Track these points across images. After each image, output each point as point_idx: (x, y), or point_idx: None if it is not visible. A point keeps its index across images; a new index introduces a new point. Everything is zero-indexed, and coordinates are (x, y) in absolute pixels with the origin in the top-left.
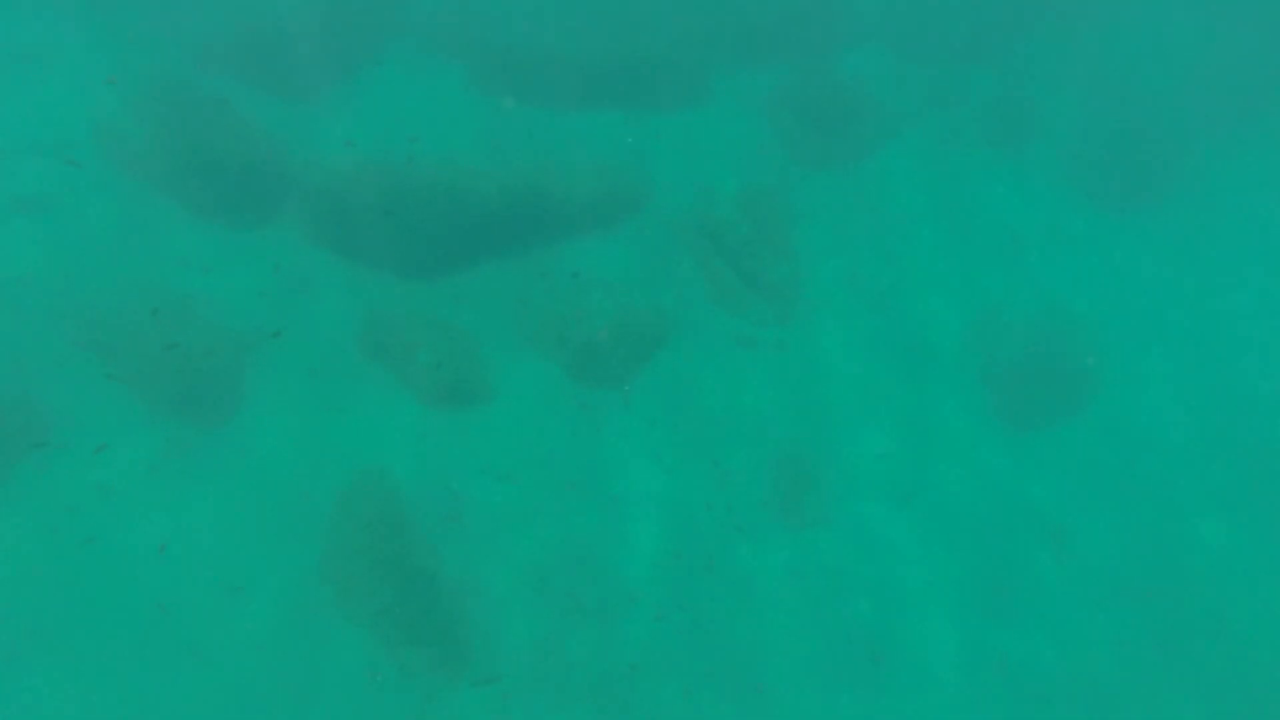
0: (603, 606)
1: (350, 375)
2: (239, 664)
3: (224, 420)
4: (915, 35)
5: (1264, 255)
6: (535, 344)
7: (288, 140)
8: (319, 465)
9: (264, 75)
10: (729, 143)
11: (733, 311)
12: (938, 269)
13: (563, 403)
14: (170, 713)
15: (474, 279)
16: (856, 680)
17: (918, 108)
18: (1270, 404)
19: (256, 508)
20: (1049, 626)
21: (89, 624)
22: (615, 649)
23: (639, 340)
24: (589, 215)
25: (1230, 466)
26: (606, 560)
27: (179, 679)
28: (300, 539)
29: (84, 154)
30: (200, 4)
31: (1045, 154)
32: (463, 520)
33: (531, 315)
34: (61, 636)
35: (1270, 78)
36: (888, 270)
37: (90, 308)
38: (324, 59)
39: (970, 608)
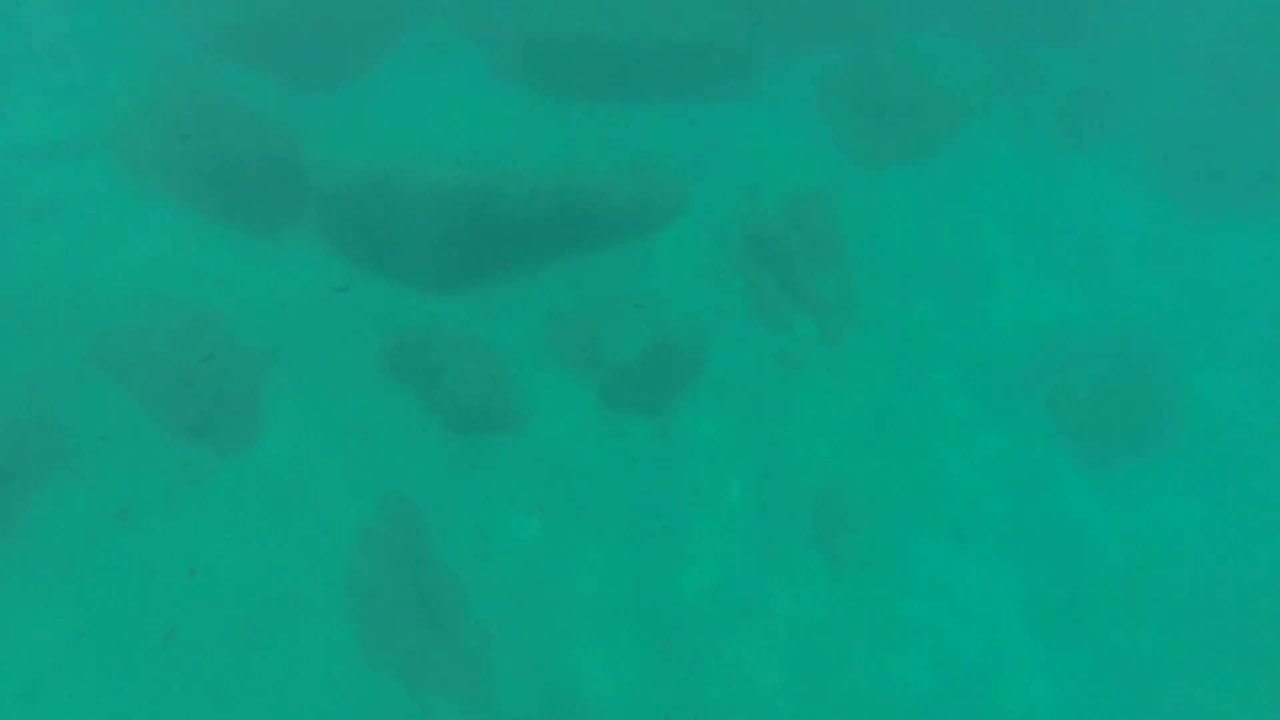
0: (637, 651)
1: (373, 397)
2: (258, 706)
3: (243, 445)
4: (981, 13)
5: None
6: (567, 364)
7: (305, 137)
8: (341, 495)
9: (282, 65)
10: (776, 138)
11: (778, 329)
12: (1005, 282)
13: (596, 429)
14: None
15: (502, 292)
16: None
17: (985, 98)
18: None
19: (275, 541)
20: (1126, 689)
21: (104, 660)
22: (649, 696)
23: (677, 361)
24: (624, 220)
25: None
26: (640, 601)
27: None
28: (321, 576)
29: (98, 156)
30: None
31: (1132, 151)
32: (490, 557)
33: (563, 333)
34: (77, 672)
35: None
36: (948, 284)
37: (105, 323)
38: (344, 46)
39: (1035, 666)
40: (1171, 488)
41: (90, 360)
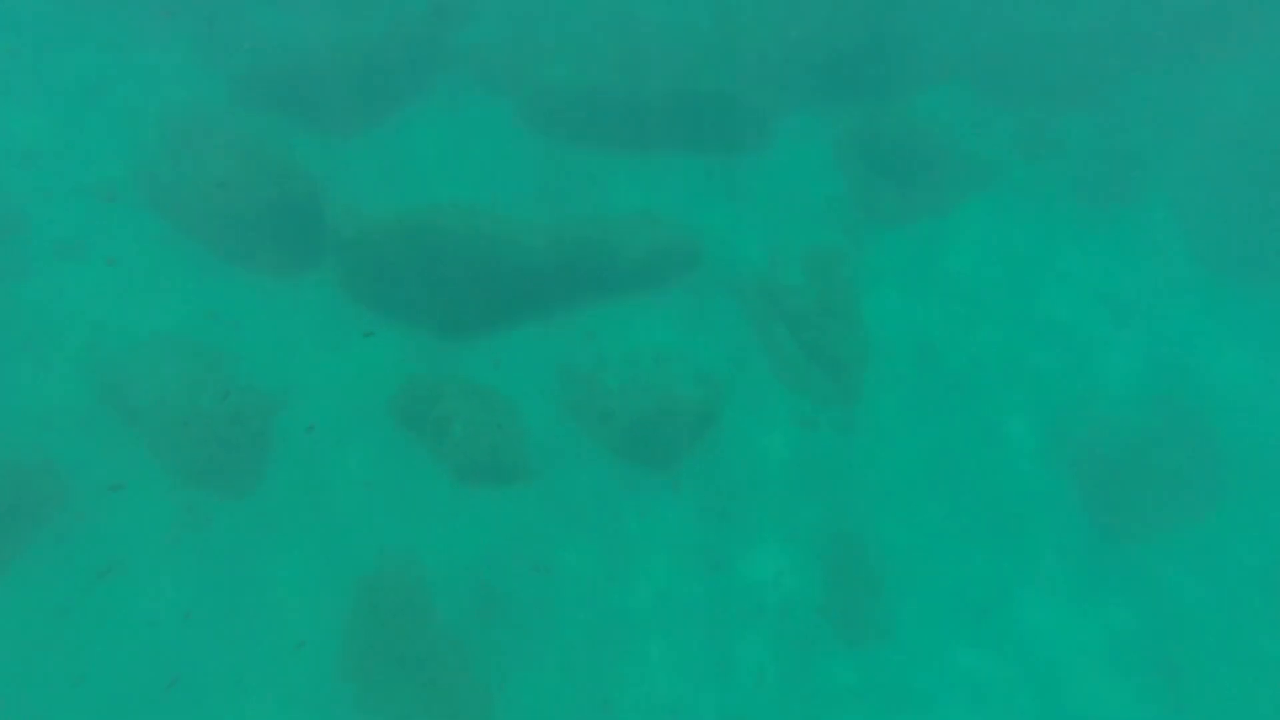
0: (642, 718)
1: (380, 446)
2: None
3: (246, 491)
4: (1001, 73)
5: None
6: (579, 416)
7: (327, 182)
8: (343, 545)
9: (308, 112)
10: (794, 193)
11: (793, 387)
12: (1025, 346)
13: (607, 484)
14: None
15: (516, 340)
16: None
17: (1004, 157)
18: None
19: (274, 592)
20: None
21: (102, 705)
22: None
23: (690, 416)
24: (640, 272)
25: None
26: (648, 668)
27: None
28: (320, 630)
29: (123, 196)
30: (245, 36)
31: (1153, 213)
32: (494, 615)
33: (575, 384)
34: (75, 717)
35: None
36: (967, 345)
37: (119, 365)
38: (368, 95)
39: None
40: (1203, 567)
41: (102, 402)
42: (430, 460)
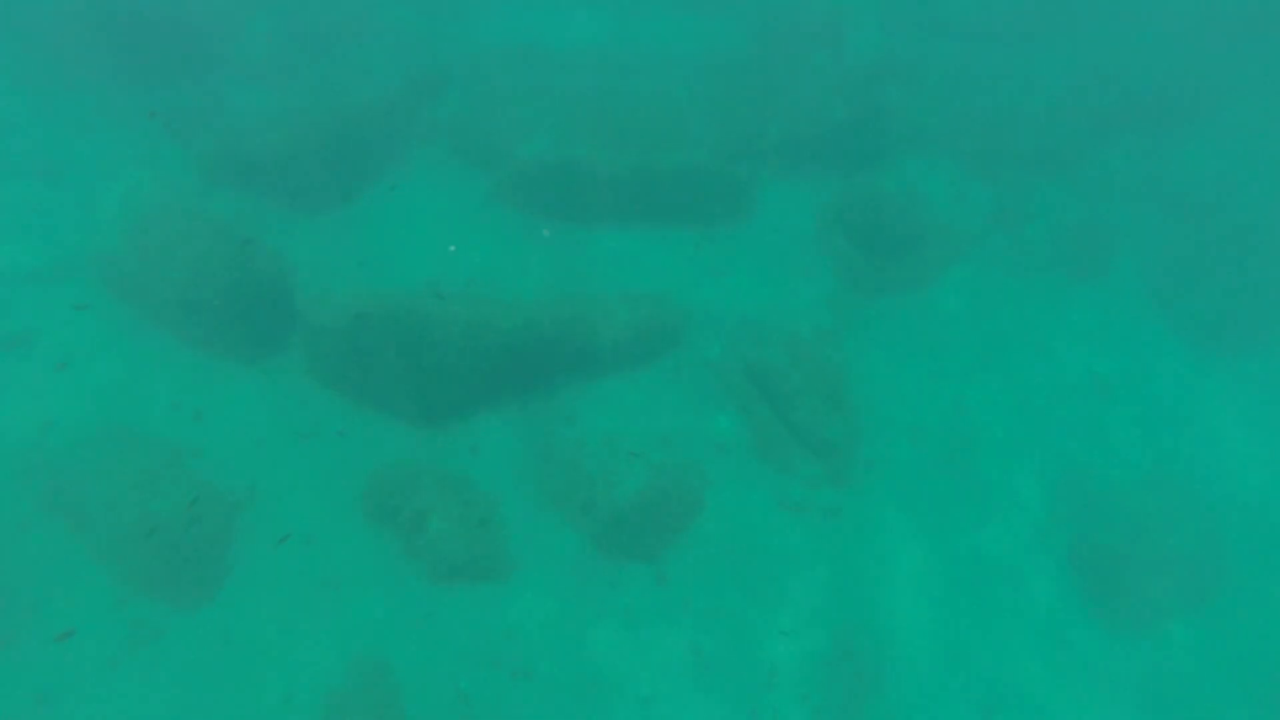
0: None
1: (350, 543)
2: None
3: (203, 599)
4: (977, 144)
5: None
6: (559, 507)
7: (296, 264)
8: (308, 655)
9: (279, 188)
10: (776, 268)
11: (780, 469)
12: (1014, 425)
13: (588, 579)
14: None
15: (493, 426)
16: None
17: (984, 227)
18: None
19: (230, 712)
20: None
21: None
22: None
23: (675, 504)
24: (620, 352)
25: None
26: None
27: None
28: None
29: (79, 282)
30: (213, 113)
31: (1130, 284)
32: None
33: (555, 473)
34: None
35: None
36: (957, 425)
37: (67, 464)
38: (342, 170)
39: None
40: (1211, 655)
41: (45, 507)
42: (403, 558)
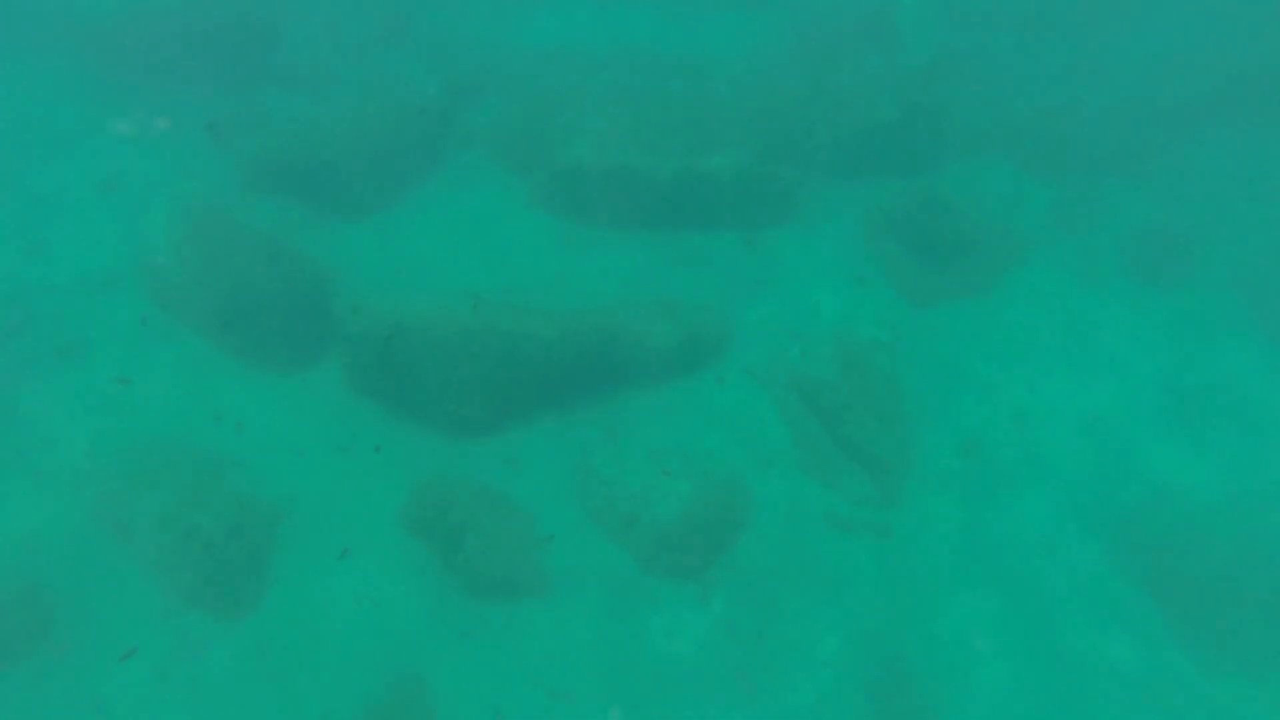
0: None
1: (389, 559)
2: None
3: (244, 612)
4: (1038, 146)
5: None
6: (600, 522)
7: (336, 273)
8: (346, 671)
9: (320, 195)
10: (824, 275)
11: (828, 487)
12: (1081, 443)
13: (630, 598)
14: None
15: (532, 439)
16: None
17: (1043, 232)
18: None
19: None
20: None
21: None
22: None
23: (719, 522)
24: (663, 362)
25: None
26: None
27: None
28: None
29: (129, 291)
30: (261, 123)
31: (1214, 293)
32: None
33: (596, 487)
34: None
35: None
36: (1017, 442)
37: (116, 474)
38: (382, 177)
39: None
40: None
41: (94, 518)
42: (441, 573)
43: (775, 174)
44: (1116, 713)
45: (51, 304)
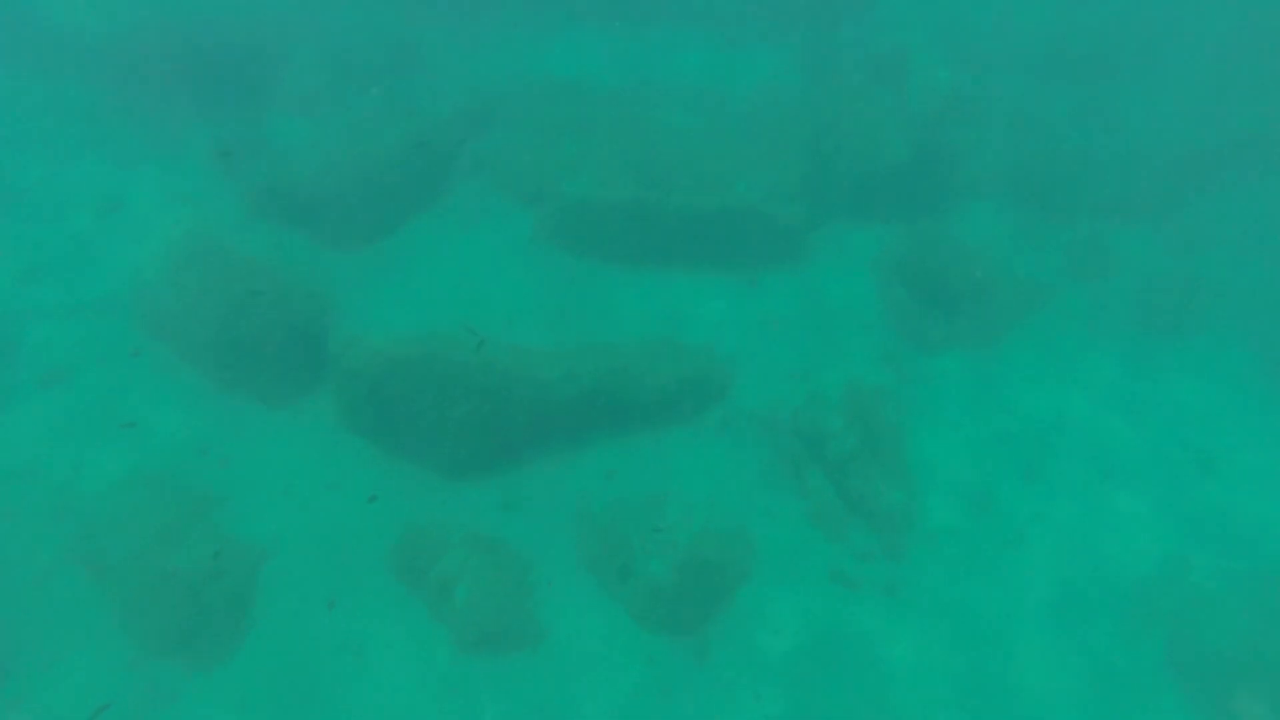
0: None
1: (374, 607)
2: None
3: (221, 660)
4: (1047, 191)
5: None
6: (595, 571)
7: (333, 303)
8: None
9: (322, 225)
10: (831, 319)
11: (833, 540)
12: (1096, 498)
13: (624, 653)
14: None
15: (528, 481)
16: None
17: (1055, 279)
18: None
19: None
20: None
21: None
22: None
23: (718, 573)
24: (664, 406)
25: None
26: None
27: None
28: None
29: (120, 318)
30: (265, 149)
31: (1227, 345)
32: None
33: (592, 535)
34: None
35: None
36: (1027, 496)
37: (93, 511)
38: (385, 205)
39: None
40: None
41: (68, 554)
42: (430, 623)
43: (783, 213)
44: None
45: (41, 330)
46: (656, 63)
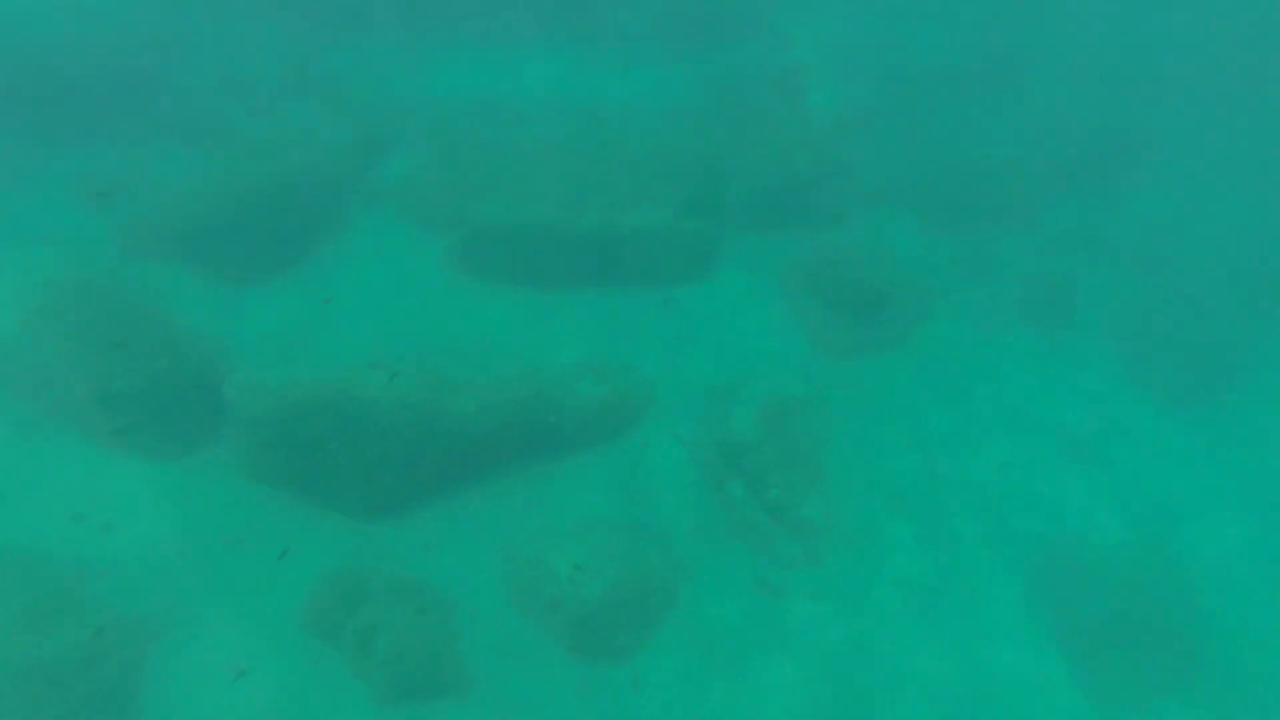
0: None
1: (289, 670)
2: None
3: None
4: (937, 196)
5: None
6: (522, 606)
7: (229, 345)
8: None
9: (212, 260)
10: (744, 332)
11: (757, 550)
12: (990, 493)
13: (557, 687)
14: None
15: (449, 518)
16: None
17: (949, 282)
18: None
19: None
20: None
21: None
22: None
23: (649, 594)
24: (586, 429)
25: None
26: None
27: None
28: None
29: None
30: (144, 180)
31: (1092, 338)
32: None
33: (518, 569)
34: None
35: None
36: (933, 494)
37: None
38: (282, 237)
39: None
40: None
41: None
42: (349, 680)
43: (694, 230)
44: None
45: None
46: (561, 82)
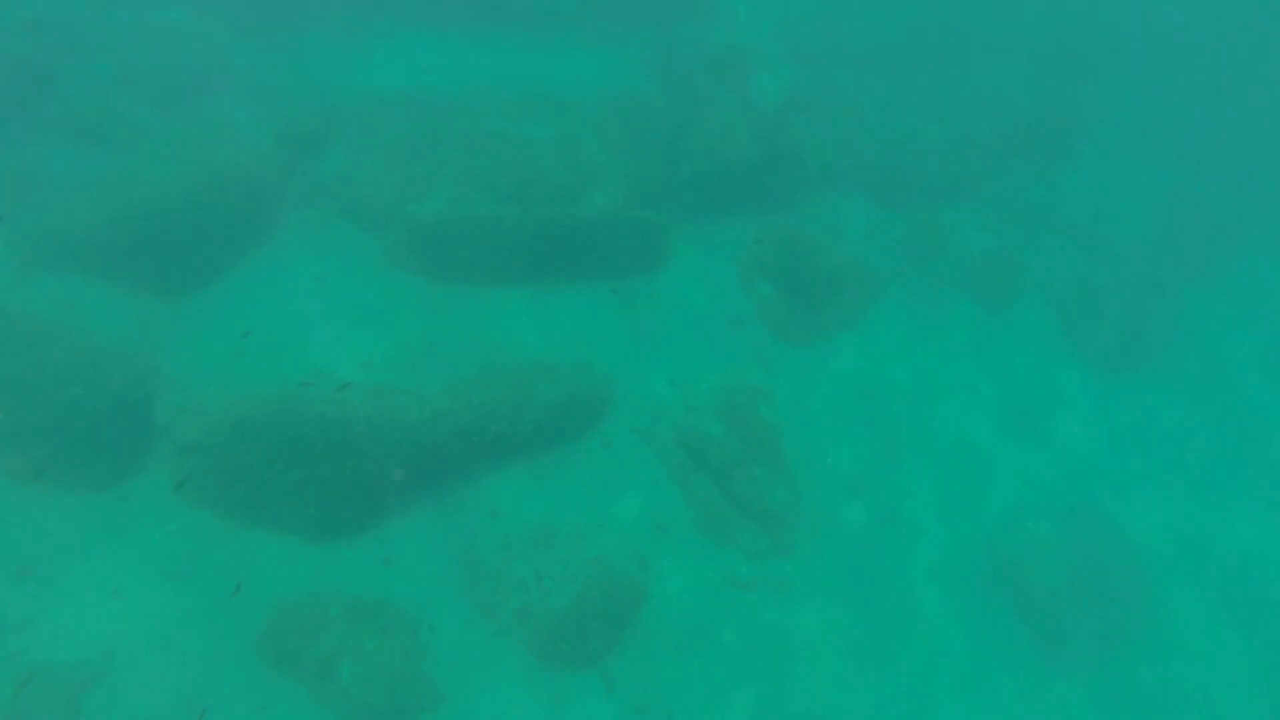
0: None
1: (248, 704)
2: None
3: None
4: (882, 175)
5: None
6: (489, 618)
7: (156, 364)
8: None
9: (132, 271)
10: (700, 322)
11: (724, 545)
12: (949, 473)
13: (531, 697)
14: None
15: (407, 533)
16: None
17: (899, 261)
18: None
19: None
20: None
21: None
22: None
23: (617, 595)
24: (544, 430)
25: None
26: None
27: None
28: None
29: None
30: (45, 186)
31: (1035, 312)
32: None
33: (482, 579)
34: None
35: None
36: (894, 477)
37: None
38: (209, 241)
39: None
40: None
41: None
42: (316, 712)
43: (644, 218)
44: None
45: None
46: (498, 68)
